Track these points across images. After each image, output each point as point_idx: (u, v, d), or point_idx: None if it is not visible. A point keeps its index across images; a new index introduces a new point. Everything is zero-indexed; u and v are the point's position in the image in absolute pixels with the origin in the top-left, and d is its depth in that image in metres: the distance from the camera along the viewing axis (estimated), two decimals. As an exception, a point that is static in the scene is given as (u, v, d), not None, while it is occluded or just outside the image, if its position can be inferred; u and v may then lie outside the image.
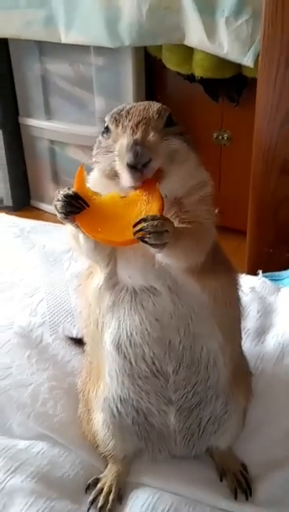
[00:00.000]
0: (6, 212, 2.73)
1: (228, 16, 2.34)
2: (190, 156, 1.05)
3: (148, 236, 0.91)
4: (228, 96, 2.85)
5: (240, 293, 1.21)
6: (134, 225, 0.92)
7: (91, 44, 2.80)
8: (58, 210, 0.99)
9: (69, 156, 3.30)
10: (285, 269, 2.02)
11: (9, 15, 2.87)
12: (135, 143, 0.93)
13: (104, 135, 1.02)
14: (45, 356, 1.49)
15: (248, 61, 2.39)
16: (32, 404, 1.33)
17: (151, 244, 0.93)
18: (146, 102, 1.03)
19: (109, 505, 1.16)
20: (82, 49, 2.86)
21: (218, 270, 1.12)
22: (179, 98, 3.04)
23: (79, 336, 1.52)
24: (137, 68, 2.88)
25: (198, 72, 2.70)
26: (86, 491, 1.20)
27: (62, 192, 0.98)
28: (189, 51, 2.65)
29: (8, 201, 3.52)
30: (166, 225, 0.92)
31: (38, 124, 3.27)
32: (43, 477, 1.18)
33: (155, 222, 0.91)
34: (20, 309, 1.66)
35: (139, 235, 0.92)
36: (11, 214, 2.84)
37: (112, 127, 1.00)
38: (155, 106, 1.01)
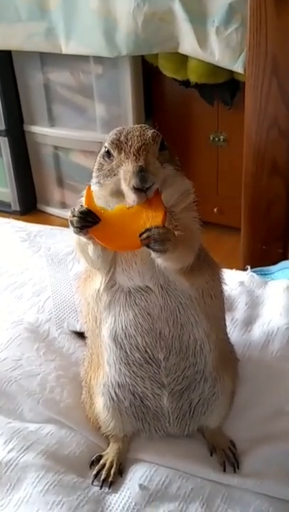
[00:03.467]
0: (14, 217, 2.85)
1: (218, 25, 2.45)
2: (178, 177, 1.18)
3: (153, 243, 1.05)
4: (222, 99, 2.96)
5: (223, 286, 1.33)
6: (141, 234, 1.05)
7: (90, 54, 2.90)
8: (73, 225, 1.10)
9: (72, 160, 3.40)
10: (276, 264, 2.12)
11: (12, 28, 2.98)
12: (140, 170, 1.05)
13: (106, 159, 1.14)
14: (52, 349, 1.59)
15: (238, 67, 2.50)
16: (41, 392, 1.43)
17: (155, 250, 1.06)
18: (138, 127, 1.15)
19: (111, 478, 1.27)
20: (82, 58, 2.97)
21: (203, 267, 1.24)
22: (176, 103, 3.15)
23: (82, 330, 1.62)
24: (135, 75, 2.99)
25: (193, 78, 2.81)
26: (90, 467, 1.31)
27: (77, 209, 1.09)
28: (184, 58, 2.76)
29: (15, 206, 3.62)
30: (169, 234, 1.06)
31: (42, 131, 3.37)
32: (52, 454, 1.29)
33: (161, 231, 1.05)
34: (29, 307, 1.76)
35: (145, 242, 1.05)
36: (19, 218, 2.96)
37: (114, 153, 1.12)
38: (150, 131, 1.13)
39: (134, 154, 1.08)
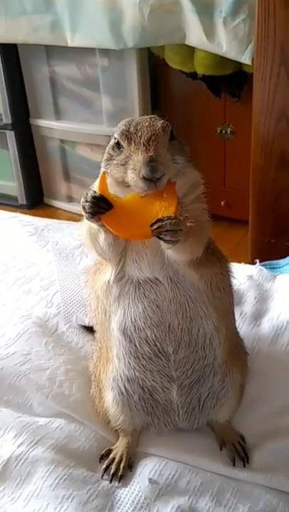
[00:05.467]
0: (21, 211, 2.85)
1: (225, 16, 2.42)
2: (189, 167, 1.18)
3: (164, 233, 1.05)
4: (229, 92, 2.94)
5: (231, 279, 1.32)
6: (152, 224, 1.05)
7: (96, 47, 2.88)
8: (85, 210, 1.10)
9: (79, 154, 3.39)
10: (285, 257, 2.11)
11: (17, 21, 2.97)
12: (151, 160, 1.05)
13: (116, 150, 1.13)
14: (60, 343, 1.60)
15: (246, 59, 2.47)
16: (50, 386, 1.44)
17: (166, 241, 1.06)
18: (148, 118, 1.14)
19: (120, 472, 1.27)
20: (87, 51, 2.95)
21: (212, 260, 1.24)
22: (183, 95, 3.13)
23: (90, 324, 1.63)
24: (141, 68, 2.96)
25: (200, 70, 2.79)
26: (100, 461, 1.31)
27: (90, 194, 1.09)
28: (191, 50, 2.73)
29: (22, 200, 3.62)
30: (180, 225, 1.06)
31: (48, 124, 3.36)
32: (62, 449, 1.30)
33: (173, 221, 1.04)
34: (37, 301, 1.76)
35: (157, 232, 1.05)
36: (26, 212, 2.96)
37: (124, 144, 1.11)
38: (159, 122, 1.12)
39: (144, 145, 1.08)
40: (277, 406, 1.42)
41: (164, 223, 1.04)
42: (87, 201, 1.09)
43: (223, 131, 3.09)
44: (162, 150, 1.08)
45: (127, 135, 1.11)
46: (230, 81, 2.85)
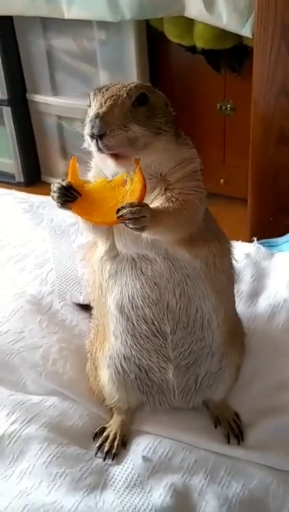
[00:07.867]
0: (18, 188, 2.81)
1: (225, -14, 2.37)
2: (155, 139, 1.09)
3: (127, 221, 1.01)
4: (229, 66, 2.87)
5: (232, 260, 1.29)
6: (117, 211, 1.01)
7: (93, 19, 2.80)
8: (54, 201, 1.08)
9: (76, 130, 3.35)
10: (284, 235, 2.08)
11: (12, -7, 2.91)
12: (96, 116, 1.01)
13: (88, 107, 1.10)
14: (54, 321, 1.58)
15: (246, 32, 2.40)
16: (43, 364, 1.43)
17: (131, 228, 1.03)
18: (127, 82, 1.10)
19: (114, 450, 1.27)
20: (85, 24, 2.87)
21: (209, 239, 1.21)
22: (182, 70, 3.05)
23: (85, 302, 1.62)
24: (140, 41, 2.88)
25: (200, 44, 2.71)
26: (94, 439, 1.31)
27: (56, 184, 1.07)
28: (190, 23, 2.66)
29: (20, 177, 3.56)
30: (143, 211, 1.01)
31: (45, 100, 3.28)
32: (55, 426, 1.29)
33: (133, 209, 1.00)
34: (31, 279, 1.74)
35: (120, 220, 1.02)
36: (23, 190, 2.90)
37: (91, 101, 1.08)
38: (130, 85, 1.08)
39: (100, 103, 1.04)
40: (273, 384, 1.41)
41: (124, 212, 1.01)
42: (54, 191, 1.07)
43: (223, 107, 3.03)
44: (116, 111, 1.03)
45: (96, 93, 1.08)
46: (231, 55, 2.77)
